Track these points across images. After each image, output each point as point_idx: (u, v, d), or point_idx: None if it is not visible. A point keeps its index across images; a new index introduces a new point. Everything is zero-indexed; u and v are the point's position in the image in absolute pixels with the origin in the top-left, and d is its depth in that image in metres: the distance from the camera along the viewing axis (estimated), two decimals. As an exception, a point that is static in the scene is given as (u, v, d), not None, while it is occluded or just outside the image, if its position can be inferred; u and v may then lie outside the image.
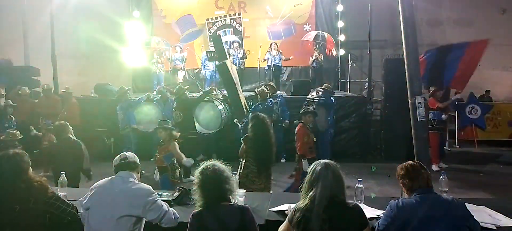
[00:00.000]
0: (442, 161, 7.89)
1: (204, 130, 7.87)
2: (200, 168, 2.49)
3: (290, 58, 10.55)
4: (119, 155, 2.84)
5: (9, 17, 11.75)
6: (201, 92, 8.23)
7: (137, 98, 8.31)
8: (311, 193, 2.31)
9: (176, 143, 4.97)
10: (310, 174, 2.39)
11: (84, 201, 2.72)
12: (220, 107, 7.90)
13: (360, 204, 2.88)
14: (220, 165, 2.50)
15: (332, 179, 2.31)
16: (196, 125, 7.69)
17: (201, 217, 2.38)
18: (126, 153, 2.85)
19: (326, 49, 10.73)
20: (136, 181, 2.74)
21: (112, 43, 10.93)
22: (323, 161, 2.40)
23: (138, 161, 2.85)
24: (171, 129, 5.15)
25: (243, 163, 4.44)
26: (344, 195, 2.35)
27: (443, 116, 7.84)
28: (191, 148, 7.17)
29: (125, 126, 7.60)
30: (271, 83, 8.49)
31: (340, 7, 11.58)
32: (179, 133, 5.26)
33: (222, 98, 8.37)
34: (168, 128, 5.12)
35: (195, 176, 2.50)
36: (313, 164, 2.43)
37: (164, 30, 12.00)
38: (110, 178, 2.78)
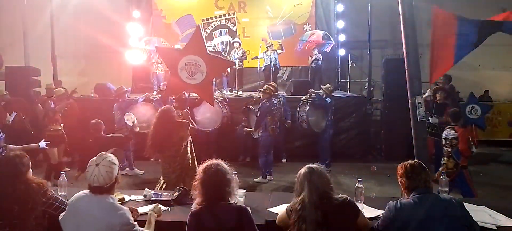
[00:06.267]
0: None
1: (203, 127, 7.85)
2: (204, 165, 2.51)
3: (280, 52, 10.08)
4: (91, 170, 2.52)
5: (9, 17, 11.75)
6: None
7: (136, 98, 8.28)
8: (301, 196, 2.43)
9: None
10: (297, 178, 2.52)
11: (62, 215, 2.58)
12: (220, 105, 7.92)
13: (360, 204, 2.90)
14: (224, 165, 2.52)
15: (317, 181, 2.42)
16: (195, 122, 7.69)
17: (198, 216, 2.41)
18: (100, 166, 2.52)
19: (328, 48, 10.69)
20: (115, 203, 2.53)
21: (112, 43, 10.93)
22: (308, 165, 2.52)
23: (115, 171, 2.57)
24: None
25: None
26: (332, 191, 2.46)
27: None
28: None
29: (122, 126, 7.58)
30: (273, 83, 8.46)
31: (340, 7, 11.58)
32: None
33: (221, 98, 8.41)
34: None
35: (198, 173, 2.52)
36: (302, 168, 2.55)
37: (164, 30, 12.00)
38: (86, 195, 2.55)
